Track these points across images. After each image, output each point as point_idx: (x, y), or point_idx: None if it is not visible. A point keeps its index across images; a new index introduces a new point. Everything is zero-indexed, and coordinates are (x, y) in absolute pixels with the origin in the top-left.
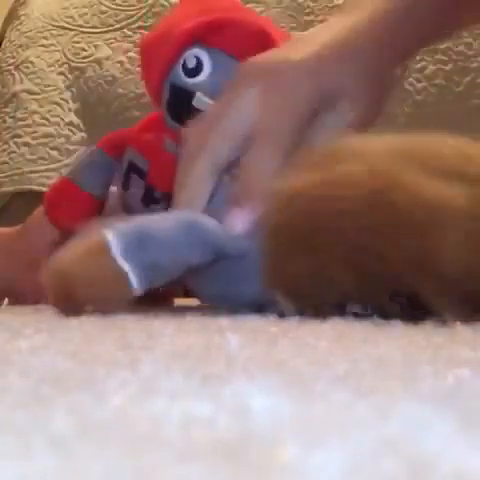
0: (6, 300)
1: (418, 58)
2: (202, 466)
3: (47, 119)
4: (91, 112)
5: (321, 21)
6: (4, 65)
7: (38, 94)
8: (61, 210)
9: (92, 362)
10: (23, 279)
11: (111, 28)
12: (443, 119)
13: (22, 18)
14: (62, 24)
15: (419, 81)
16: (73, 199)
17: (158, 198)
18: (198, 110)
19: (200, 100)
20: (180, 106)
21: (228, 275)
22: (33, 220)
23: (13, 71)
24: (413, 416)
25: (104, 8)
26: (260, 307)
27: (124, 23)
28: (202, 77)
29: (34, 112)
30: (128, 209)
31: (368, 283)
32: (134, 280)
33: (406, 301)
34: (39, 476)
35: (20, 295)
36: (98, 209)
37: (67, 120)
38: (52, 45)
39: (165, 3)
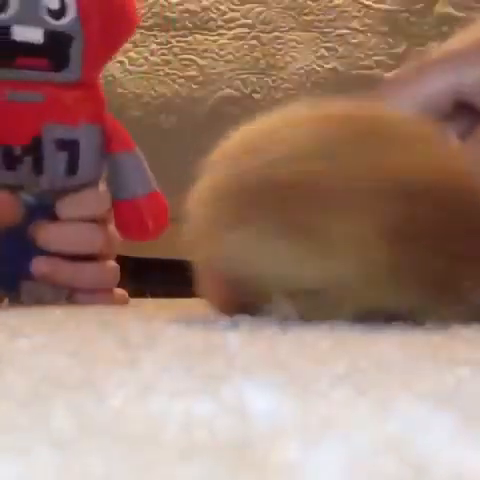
0: (6, 300)
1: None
2: (202, 466)
3: None
4: None
5: (320, 21)
6: None
7: None
8: None
9: (92, 362)
10: None
11: None
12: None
13: None
14: None
15: None
16: None
17: (19, 155)
18: (22, 44)
19: (17, 32)
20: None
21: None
22: None
23: None
24: (413, 416)
25: None
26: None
27: None
28: (11, 10)
29: None
30: None
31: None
32: None
33: None
34: (39, 476)
35: None
36: None
37: None
38: None
39: (165, 3)
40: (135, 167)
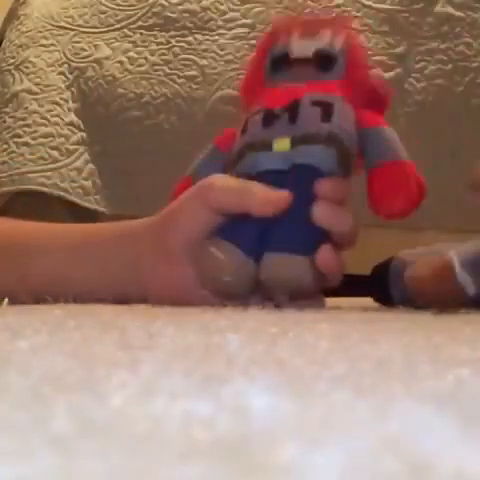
0: (6, 300)
1: (418, 58)
2: (202, 466)
3: (47, 119)
4: (91, 112)
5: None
6: (4, 65)
7: (38, 94)
8: None
9: (92, 362)
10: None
11: (111, 28)
12: (443, 119)
13: (22, 18)
14: (62, 24)
15: (419, 81)
16: None
17: (278, 113)
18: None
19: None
20: (281, 59)
21: None
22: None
23: (13, 71)
24: (413, 416)
25: (104, 8)
26: None
27: (124, 23)
28: None
29: (34, 112)
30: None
31: None
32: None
33: None
34: (39, 476)
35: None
36: None
37: (67, 120)
38: (52, 45)
39: (165, 3)
40: (390, 137)
